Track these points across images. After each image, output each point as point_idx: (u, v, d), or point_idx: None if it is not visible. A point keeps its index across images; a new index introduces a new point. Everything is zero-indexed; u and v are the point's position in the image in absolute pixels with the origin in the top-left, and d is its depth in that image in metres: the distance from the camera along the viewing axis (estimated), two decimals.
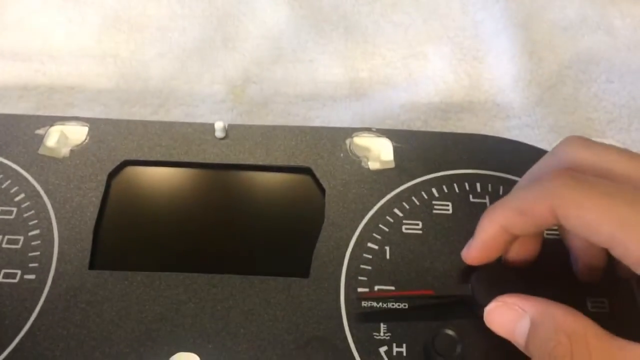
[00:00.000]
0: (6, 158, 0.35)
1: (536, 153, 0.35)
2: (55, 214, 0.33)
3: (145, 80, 0.47)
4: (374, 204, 0.34)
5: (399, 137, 0.37)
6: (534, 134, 0.44)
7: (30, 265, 0.31)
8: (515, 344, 0.26)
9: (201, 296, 0.30)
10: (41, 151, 0.36)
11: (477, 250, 0.28)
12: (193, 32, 0.50)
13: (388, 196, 0.34)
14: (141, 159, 0.35)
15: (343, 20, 0.51)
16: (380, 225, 0.33)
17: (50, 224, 0.33)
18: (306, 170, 0.35)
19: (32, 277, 0.31)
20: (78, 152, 0.36)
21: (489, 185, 0.34)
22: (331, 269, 0.31)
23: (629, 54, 0.49)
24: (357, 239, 0.32)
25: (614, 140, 0.44)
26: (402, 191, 0.34)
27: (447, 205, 0.34)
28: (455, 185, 0.34)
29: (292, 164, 0.35)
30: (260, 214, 0.34)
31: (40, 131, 0.36)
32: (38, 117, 0.38)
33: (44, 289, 0.30)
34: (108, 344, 0.29)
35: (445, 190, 0.34)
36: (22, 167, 0.35)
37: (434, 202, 0.34)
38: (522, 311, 0.25)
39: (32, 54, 0.48)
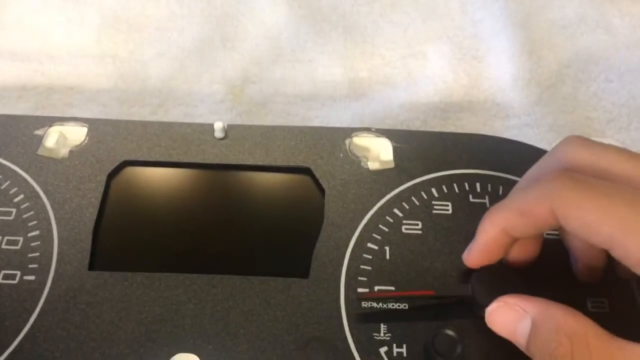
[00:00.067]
0: (5, 159, 0.35)
1: (536, 153, 0.35)
2: (55, 215, 0.33)
3: (144, 80, 0.47)
4: (374, 204, 0.34)
5: (398, 137, 0.37)
6: (534, 134, 0.44)
7: (30, 266, 0.31)
8: (517, 345, 0.26)
9: (201, 297, 0.30)
10: (40, 152, 0.35)
11: (478, 253, 0.28)
12: (192, 32, 0.50)
13: (388, 196, 0.34)
14: (140, 159, 0.35)
15: (342, 20, 0.51)
16: (380, 226, 0.33)
17: (50, 224, 0.32)
18: (306, 171, 0.35)
19: (32, 278, 0.31)
20: (77, 152, 0.36)
21: (489, 185, 0.34)
22: (331, 270, 0.31)
23: (628, 53, 0.49)
24: (357, 239, 0.32)
25: (614, 139, 0.44)
26: (401, 191, 0.34)
27: (447, 205, 0.34)
28: (454, 185, 0.34)
29: (291, 164, 0.35)
30: (259, 215, 0.34)
31: (39, 132, 0.36)
32: (37, 117, 0.38)
33: (43, 290, 0.30)
34: (108, 345, 0.28)
35: (445, 190, 0.34)
36: (21, 167, 0.35)
37: (433, 202, 0.34)
38: (523, 312, 0.25)
39: (31, 54, 0.48)
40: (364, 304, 0.30)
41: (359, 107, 0.45)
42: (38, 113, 0.44)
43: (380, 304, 0.30)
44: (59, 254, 0.31)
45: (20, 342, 0.29)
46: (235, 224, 0.34)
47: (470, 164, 0.35)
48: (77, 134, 0.37)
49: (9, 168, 0.35)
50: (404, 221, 0.33)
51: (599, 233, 0.24)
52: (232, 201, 0.35)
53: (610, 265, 0.29)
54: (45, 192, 0.34)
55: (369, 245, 0.32)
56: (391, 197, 0.34)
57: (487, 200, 0.34)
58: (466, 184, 0.34)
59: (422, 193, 0.34)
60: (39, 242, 0.32)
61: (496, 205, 0.28)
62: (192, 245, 0.33)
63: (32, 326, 0.29)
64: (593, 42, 0.49)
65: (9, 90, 0.46)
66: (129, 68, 0.48)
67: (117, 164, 0.35)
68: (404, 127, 0.44)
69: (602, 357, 0.22)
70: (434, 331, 0.28)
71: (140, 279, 0.31)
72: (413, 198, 0.34)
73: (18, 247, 0.32)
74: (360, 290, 0.30)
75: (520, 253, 0.29)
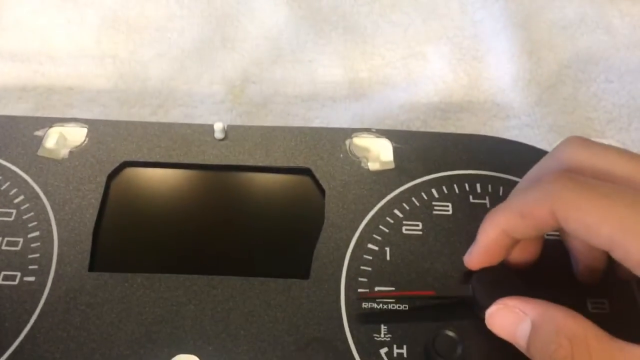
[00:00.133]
0: (5, 160, 0.35)
1: (536, 153, 0.35)
2: (55, 216, 0.33)
3: (144, 80, 0.47)
4: (374, 205, 0.34)
5: (398, 138, 0.37)
6: (534, 134, 0.44)
7: (30, 267, 0.31)
8: (517, 346, 0.26)
9: (201, 298, 0.30)
10: (40, 152, 0.35)
11: (479, 255, 0.28)
12: (192, 32, 0.50)
13: (388, 197, 0.34)
14: (140, 160, 0.35)
15: (342, 21, 0.51)
16: (381, 226, 0.33)
17: (50, 225, 0.32)
18: (306, 171, 0.35)
19: (32, 279, 0.31)
20: (77, 153, 0.36)
21: (489, 185, 0.34)
22: (331, 270, 0.31)
23: (628, 53, 0.49)
24: (357, 240, 0.32)
25: (614, 140, 0.44)
26: (402, 192, 0.34)
27: (447, 206, 0.34)
28: (455, 185, 0.34)
29: (291, 164, 0.35)
30: (260, 215, 0.34)
31: (39, 132, 0.36)
32: (37, 118, 0.38)
33: (43, 291, 0.30)
34: (108, 346, 0.28)
35: (445, 191, 0.34)
36: (21, 168, 0.35)
37: (434, 203, 0.34)
38: (523, 314, 0.25)
39: (30, 55, 0.48)
40: (364, 305, 0.30)
41: (359, 108, 0.45)
42: (38, 114, 0.44)
43: (381, 305, 0.30)
44: (59, 255, 0.31)
45: (21, 343, 0.29)
46: (235, 224, 0.34)
47: (470, 164, 0.35)
48: (77, 135, 0.36)
49: (9, 169, 0.35)
50: (404, 222, 0.33)
51: (599, 234, 0.24)
52: (232, 202, 0.35)
53: (610, 267, 0.29)
54: (45, 193, 0.34)
55: (370, 246, 0.32)
56: (391, 198, 0.34)
57: (487, 201, 0.34)
58: (466, 185, 0.34)
59: (423, 194, 0.34)
60: (39, 243, 0.32)
61: (497, 207, 0.28)
62: (193, 246, 0.33)
63: (32, 327, 0.29)
64: (593, 43, 0.49)
65: (8, 91, 0.46)
66: (129, 69, 0.48)
67: (117, 164, 0.35)
68: (404, 128, 0.44)
69: (602, 358, 0.22)
70: (434, 332, 0.28)
71: (141, 280, 0.31)
72: (413, 199, 0.34)
73: (18, 248, 0.32)
74: (360, 290, 0.30)
75: (521, 254, 0.29)
